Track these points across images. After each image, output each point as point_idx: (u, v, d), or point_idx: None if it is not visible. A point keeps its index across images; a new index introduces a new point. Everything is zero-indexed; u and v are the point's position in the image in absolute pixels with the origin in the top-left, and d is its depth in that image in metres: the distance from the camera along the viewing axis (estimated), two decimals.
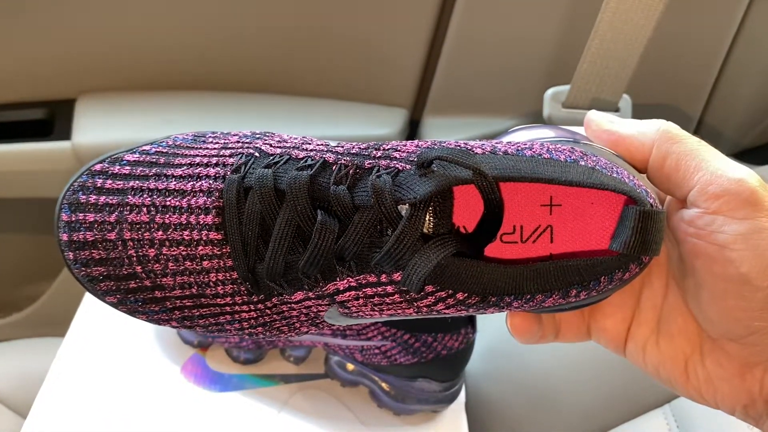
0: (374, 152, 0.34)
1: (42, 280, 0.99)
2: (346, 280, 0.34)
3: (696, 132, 0.88)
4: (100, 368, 0.61)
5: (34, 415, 0.57)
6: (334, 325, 0.38)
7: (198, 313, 0.37)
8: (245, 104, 0.88)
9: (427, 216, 0.32)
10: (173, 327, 0.39)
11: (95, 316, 0.65)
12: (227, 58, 0.86)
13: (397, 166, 0.33)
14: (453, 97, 0.86)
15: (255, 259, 0.35)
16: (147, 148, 0.38)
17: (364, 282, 0.34)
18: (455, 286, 0.32)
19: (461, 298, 0.33)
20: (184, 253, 0.35)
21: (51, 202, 0.89)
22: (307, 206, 0.33)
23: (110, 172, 0.37)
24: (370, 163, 0.34)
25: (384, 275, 0.33)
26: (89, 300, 0.67)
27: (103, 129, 0.84)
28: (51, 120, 0.88)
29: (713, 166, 0.30)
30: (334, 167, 0.34)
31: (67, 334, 0.64)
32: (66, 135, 0.85)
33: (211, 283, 0.36)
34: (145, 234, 0.36)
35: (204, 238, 0.35)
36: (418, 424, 0.64)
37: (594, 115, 0.35)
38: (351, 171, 0.34)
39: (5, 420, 0.73)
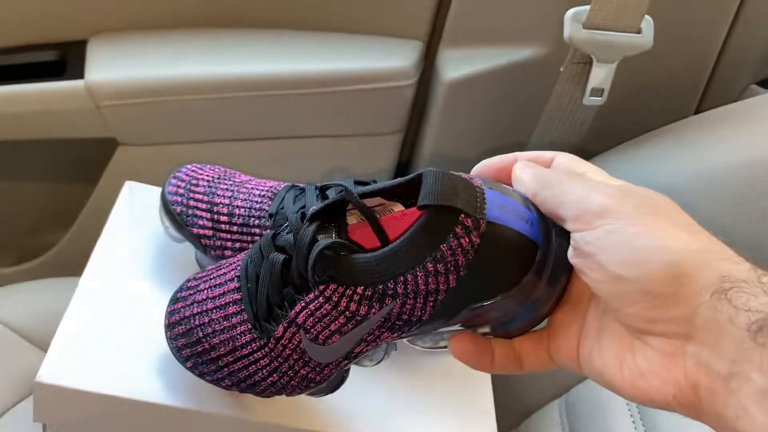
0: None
1: (58, 228, 1.00)
2: (300, 304, 0.43)
3: (718, 58, 0.86)
4: (117, 303, 0.61)
5: (54, 349, 0.57)
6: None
7: (237, 368, 0.48)
8: (256, 40, 0.87)
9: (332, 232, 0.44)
10: (226, 388, 0.51)
11: (112, 256, 0.65)
12: None
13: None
14: (470, 26, 0.85)
15: (257, 308, 0.47)
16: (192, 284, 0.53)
17: (309, 300, 0.43)
18: (348, 280, 0.41)
19: (361, 292, 0.40)
20: (222, 315, 0.49)
21: (65, 144, 0.90)
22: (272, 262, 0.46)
23: (179, 296, 0.53)
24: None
25: (317, 288, 0.42)
26: (104, 240, 0.66)
27: (116, 67, 0.84)
28: (63, 61, 0.87)
29: (572, 197, 0.36)
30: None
31: (85, 272, 0.64)
32: (79, 75, 0.84)
33: (238, 335, 0.47)
34: (202, 308, 0.50)
35: (230, 300, 0.49)
36: (441, 352, 0.63)
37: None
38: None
39: (29, 355, 0.74)
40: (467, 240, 0.38)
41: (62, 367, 0.55)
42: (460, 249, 0.38)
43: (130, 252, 0.64)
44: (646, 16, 0.71)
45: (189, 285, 0.53)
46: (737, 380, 0.30)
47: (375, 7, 0.86)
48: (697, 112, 0.90)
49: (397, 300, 0.40)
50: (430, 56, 0.90)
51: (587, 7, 0.70)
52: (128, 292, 0.62)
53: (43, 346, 0.73)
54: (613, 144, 0.83)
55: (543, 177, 0.39)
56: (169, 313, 0.53)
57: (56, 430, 0.58)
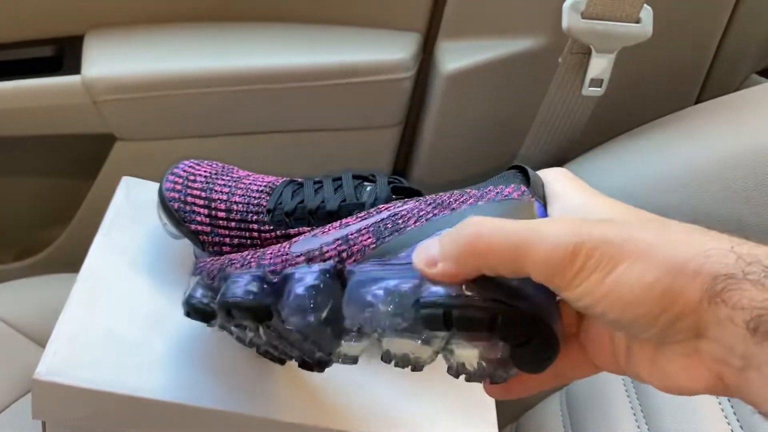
0: None
1: (56, 224, 1.00)
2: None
3: (719, 48, 0.86)
4: (116, 300, 0.61)
5: (52, 346, 0.57)
6: None
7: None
8: (254, 34, 0.87)
9: None
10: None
11: (110, 251, 0.65)
12: None
13: None
14: (468, 18, 0.84)
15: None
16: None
17: None
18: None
19: None
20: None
21: (63, 140, 0.90)
22: None
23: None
24: None
25: None
26: (101, 237, 0.66)
27: (112, 62, 0.83)
28: (60, 57, 0.87)
29: (532, 258, 0.32)
30: None
31: (83, 268, 0.63)
32: (75, 70, 0.84)
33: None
34: None
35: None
36: None
37: (415, 262, 0.37)
38: None
39: (28, 351, 0.74)
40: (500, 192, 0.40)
41: (60, 364, 0.55)
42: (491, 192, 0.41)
43: (127, 248, 0.64)
44: (645, 5, 0.71)
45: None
46: (752, 372, 0.29)
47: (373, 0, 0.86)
48: (697, 102, 0.90)
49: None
50: (428, 48, 0.89)
51: None
52: (126, 288, 0.62)
53: (42, 343, 0.73)
54: (613, 135, 0.83)
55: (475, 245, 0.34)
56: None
57: (55, 427, 0.58)
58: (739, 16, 0.84)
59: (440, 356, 0.42)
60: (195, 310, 0.49)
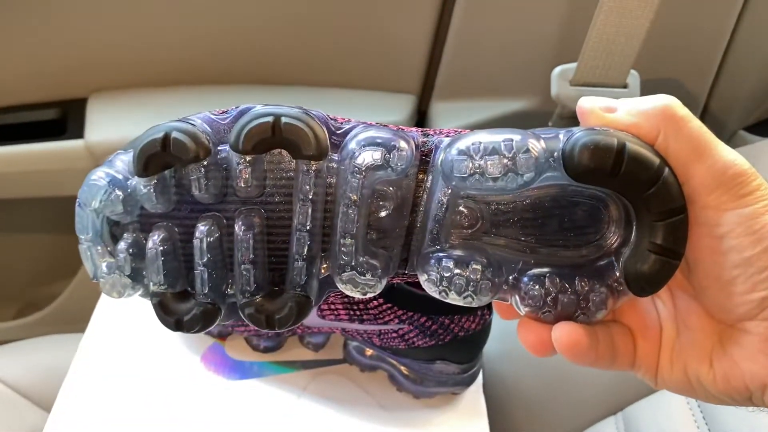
0: None
1: (60, 279, 1.00)
2: None
3: (705, 106, 0.88)
4: (121, 361, 0.62)
5: (58, 409, 0.57)
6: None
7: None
8: (254, 96, 0.88)
9: None
10: None
11: (114, 311, 0.66)
12: (235, 51, 0.86)
13: None
14: (461, 81, 0.86)
15: None
16: None
17: None
18: None
19: None
20: None
21: (67, 200, 0.91)
22: None
23: None
24: None
25: None
26: (103, 304, 0.67)
27: (115, 126, 0.85)
28: (63, 120, 0.89)
29: (707, 161, 0.31)
30: None
31: (88, 329, 0.64)
32: (79, 134, 0.85)
33: None
34: None
35: None
36: (437, 406, 0.64)
37: (588, 105, 0.33)
38: None
39: (31, 415, 0.74)
40: None
41: None
42: None
43: (131, 310, 0.65)
44: (632, 71, 0.73)
45: None
46: None
47: (370, 63, 0.87)
48: None
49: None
50: (422, 109, 0.91)
51: (574, 65, 0.71)
52: (132, 348, 0.62)
53: (45, 406, 0.73)
54: None
55: (673, 113, 0.31)
56: None
57: None
58: (725, 74, 0.86)
59: None
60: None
